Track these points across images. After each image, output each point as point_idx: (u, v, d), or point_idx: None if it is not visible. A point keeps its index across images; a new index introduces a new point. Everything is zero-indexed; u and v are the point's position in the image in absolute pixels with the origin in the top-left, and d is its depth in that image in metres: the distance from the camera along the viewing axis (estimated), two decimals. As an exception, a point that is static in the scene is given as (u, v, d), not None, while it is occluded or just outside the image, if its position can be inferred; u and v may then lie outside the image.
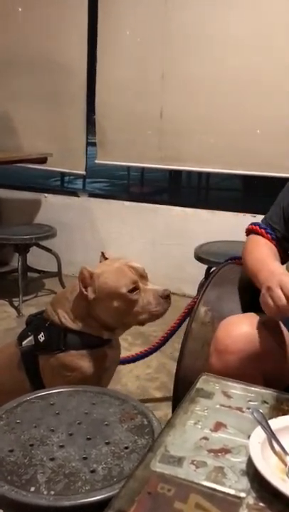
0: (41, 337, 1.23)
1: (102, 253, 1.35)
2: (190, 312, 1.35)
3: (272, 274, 0.98)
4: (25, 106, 3.21)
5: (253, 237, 1.26)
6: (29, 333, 1.26)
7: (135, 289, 1.21)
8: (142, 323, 1.26)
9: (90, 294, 1.20)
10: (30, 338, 1.25)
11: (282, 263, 1.21)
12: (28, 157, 3.01)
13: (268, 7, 2.53)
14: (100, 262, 1.33)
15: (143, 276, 1.25)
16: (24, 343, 1.26)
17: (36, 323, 1.28)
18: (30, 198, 3.40)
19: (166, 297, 1.23)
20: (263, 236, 1.23)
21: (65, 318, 1.23)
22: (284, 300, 0.90)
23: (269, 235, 1.23)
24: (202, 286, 1.59)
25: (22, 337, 1.28)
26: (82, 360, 1.21)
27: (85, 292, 1.20)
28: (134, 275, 1.22)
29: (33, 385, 1.23)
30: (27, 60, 3.15)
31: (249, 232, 1.29)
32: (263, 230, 1.24)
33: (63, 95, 3.13)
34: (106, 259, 1.33)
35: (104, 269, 1.24)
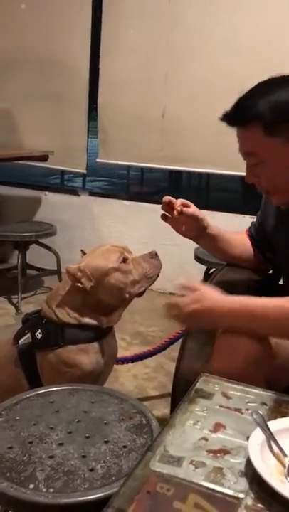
0: (38, 334, 1.23)
1: (82, 250, 1.38)
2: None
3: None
4: (28, 104, 3.21)
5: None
6: (26, 331, 1.26)
7: (125, 259, 1.25)
8: (141, 293, 1.30)
9: (87, 284, 1.22)
10: (27, 336, 1.25)
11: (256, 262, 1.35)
12: (29, 154, 3.01)
13: (272, 9, 2.53)
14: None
15: (127, 250, 1.30)
16: (21, 341, 1.26)
17: (33, 321, 1.28)
18: (31, 195, 3.40)
19: (154, 256, 1.31)
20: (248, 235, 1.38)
21: (61, 314, 1.24)
22: None
23: (248, 231, 1.38)
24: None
25: (18, 336, 1.28)
26: (80, 355, 1.21)
27: (80, 285, 1.21)
28: (120, 249, 1.28)
29: (31, 383, 1.23)
30: (29, 58, 3.15)
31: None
32: (248, 231, 1.38)
33: (65, 94, 3.13)
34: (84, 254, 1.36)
35: (88, 258, 1.27)
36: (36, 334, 1.23)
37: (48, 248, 2.90)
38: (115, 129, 3.04)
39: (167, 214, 1.26)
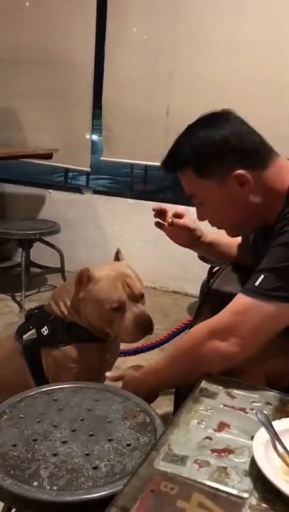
0: (45, 330, 1.23)
1: (118, 251, 1.34)
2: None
3: None
4: (32, 102, 3.21)
5: None
6: (30, 327, 1.26)
7: (119, 308, 1.18)
8: (118, 339, 1.25)
9: (81, 293, 1.21)
10: (32, 332, 1.25)
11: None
12: (34, 152, 3.01)
13: (275, 9, 2.51)
14: (114, 259, 1.34)
15: (135, 296, 1.21)
16: (25, 336, 1.26)
17: (38, 316, 1.28)
18: (35, 193, 3.41)
19: (145, 328, 1.19)
20: None
21: (69, 312, 1.24)
22: None
23: None
24: (205, 286, 1.60)
25: (22, 331, 1.28)
26: (85, 352, 1.22)
27: (77, 287, 1.21)
28: (125, 294, 1.19)
29: (35, 378, 1.23)
30: (34, 56, 3.15)
31: None
32: None
33: (70, 92, 3.12)
34: (118, 259, 1.33)
35: (103, 275, 1.21)
36: (42, 330, 1.23)
37: (52, 246, 2.91)
38: (119, 127, 3.03)
39: (161, 221, 1.26)
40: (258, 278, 0.90)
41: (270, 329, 0.91)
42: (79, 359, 1.21)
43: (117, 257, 1.34)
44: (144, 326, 1.19)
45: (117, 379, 1.12)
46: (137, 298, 1.22)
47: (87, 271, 1.20)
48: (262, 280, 0.90)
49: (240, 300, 0.92)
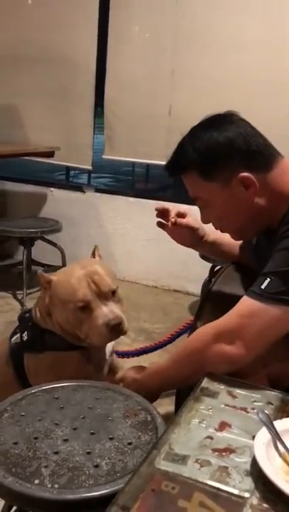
0: (25, 336, 1.21)
1: (95, 248, 1.27)
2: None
3: None
4: (34, 100, 3.20)
5: None
6: (17, 331, 1.24)
7: (84, 308, 1.09)
8: (88, 342, 1.14)
9: (47, 299, 1.15)
10: (17, 336, 1.23)
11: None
12: (35, 151, 3.01)
13: (280, 7, 2.51)
14: (91, 256, 1.27)
15: (104, 293, 1.10)
16: (13, 340, 1.24)
17: (24, 321, 1.25)
18: (37, 191, 3.41)
19: (114, 328, 1.08)
20: None
21: (41, 319, 1.19)
22: None
23: None
24: (206, 285, 1.59)
25: (13, 334, 1.26)
26: (61, 360, 1.15)
27: (43, 295, 1.16)
28: (91, 292, 1.09)
29: (20, 382, 1.20)
30: (36, 54, 3.14)
31: None
32: None
33: (72, 90, 3.12)
34: (94, 256, 1.27)
35: (63, 276, 1.15)
36: (23, 336, 1.21)
37: (54, 244, 2.91)
38: (121, 126, 3.03)
39: (163, 221, 1.25)
40: (263, 281, 0.91)
41: (275, 332, 0.92)
42: (53, 368, 1.15)
43: (94, 254, 1.27)
44: (112, 323, 1.07)
45: (117, 381, 1.11)
46: (106, 296, 1.11)
47: (42, 275, 1.14)
48: (268, 284, 0.90)
49: (247, 303, 0.92)
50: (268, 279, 0.90)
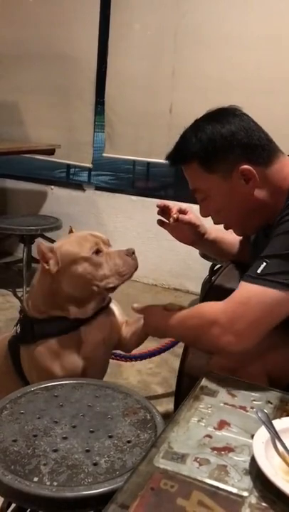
0: (17, 329, 1.22)
1: (71, 227, 1.32)
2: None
3: None
4: (35, 98, 3.20)
5: None
6: (15, 324, 1.26)
7: (99, 251, 1.16)
8: (111, 289, 1.19)
9: (53, 267, 1.14)
10: (14, 329, 1.25)
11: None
12: (36, 148, 3.01)
13: (281, 4, 2.50)
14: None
15: (106, 242, 1.21)
16: (12, 333, 1.26)
17: (20, 314, 1.26)
18: (37, 189, 3.40)
19: (131, 255, 1.18)
20: None
21: (31, 308, 1.19)
22: None
23: None
24: (206, 283, 1.59)
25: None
26: (52, 361, 1.15)
27: (46, 267, 1.15)
28: (97, 239, 1.18)
29: (18, 375, 1.21)
30: (37, 51, 3.14)
31: None
32: None
33: (72, 88, 3.12)
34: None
35: (64, 241, 1.20)
36: (16, 329, 1.22)
37: (54, 242, 2.90)
38: (122, 124, 3.02)
39: (163, 219, 1.25)
40: (259, 265, 0.90)
41: (272, 318, 0.90)
42: (46, 367, 1.14)
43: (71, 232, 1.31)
44: (130, 251, 1.18)
45: (141, 311, 1.18)
46: (107, 244, 1.21)
47: (43, 244, 1.15)
48: (264, 267, 0.89)
49: (243, 288, 0.91)
50: (264, 263, 0.89)
